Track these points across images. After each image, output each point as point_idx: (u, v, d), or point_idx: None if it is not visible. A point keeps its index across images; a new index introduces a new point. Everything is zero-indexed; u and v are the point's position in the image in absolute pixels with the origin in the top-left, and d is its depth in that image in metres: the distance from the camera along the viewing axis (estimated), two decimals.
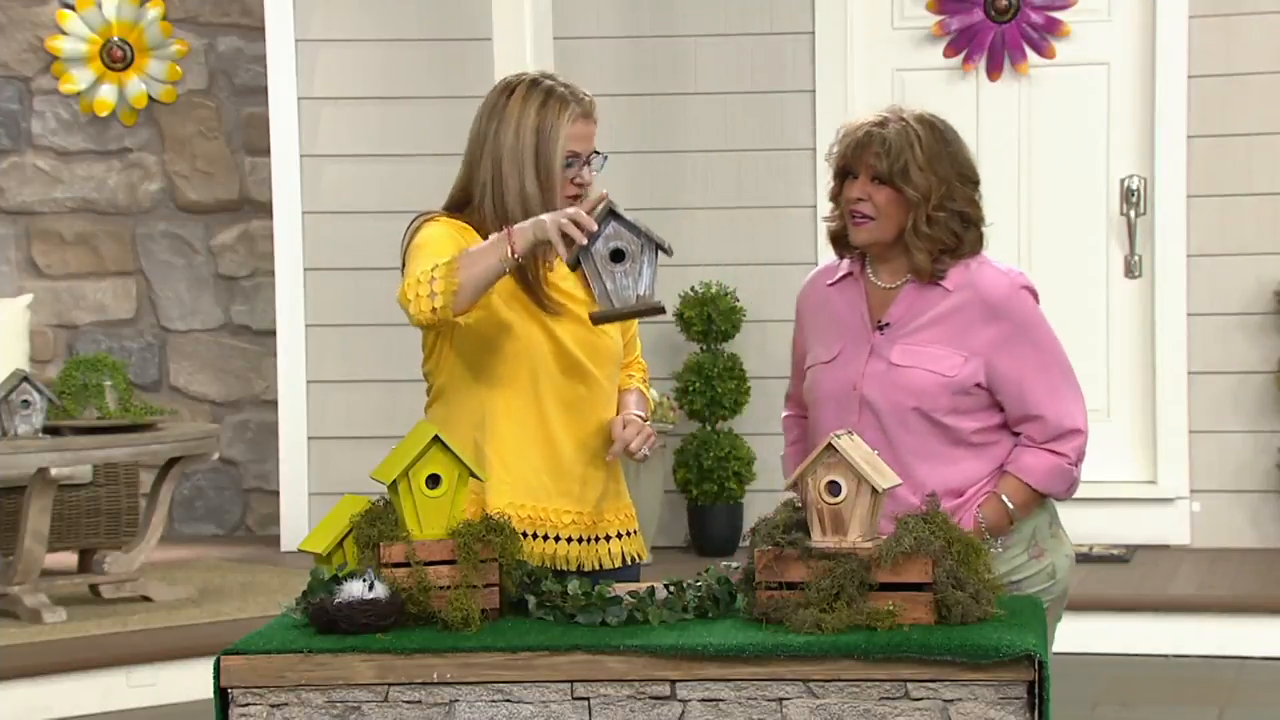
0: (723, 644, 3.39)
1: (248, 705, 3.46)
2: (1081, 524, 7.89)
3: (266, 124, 9.06)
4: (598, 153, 4.06)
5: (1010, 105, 8.47)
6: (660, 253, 3.74)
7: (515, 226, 3.80)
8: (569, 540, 4.07)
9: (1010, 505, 4.00)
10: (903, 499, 3.86)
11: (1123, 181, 8.58)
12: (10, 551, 7.50)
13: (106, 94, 9.49)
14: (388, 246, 8.79)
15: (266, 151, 9.10)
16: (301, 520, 8.90)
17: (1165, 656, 7.40)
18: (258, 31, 9.20)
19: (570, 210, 3.74)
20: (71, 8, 9.47)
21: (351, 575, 3.55)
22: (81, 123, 9.54)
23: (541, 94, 4.04)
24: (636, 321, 4.15)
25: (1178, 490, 8.48)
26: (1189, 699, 6.86)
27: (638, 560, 4.18)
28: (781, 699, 3.38)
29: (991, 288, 4.01)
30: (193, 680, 6.74)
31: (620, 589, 3.63)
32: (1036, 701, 3.33)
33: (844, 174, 4.07)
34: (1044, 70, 8.63)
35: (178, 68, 9.50)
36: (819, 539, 3.50)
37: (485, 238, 3.97)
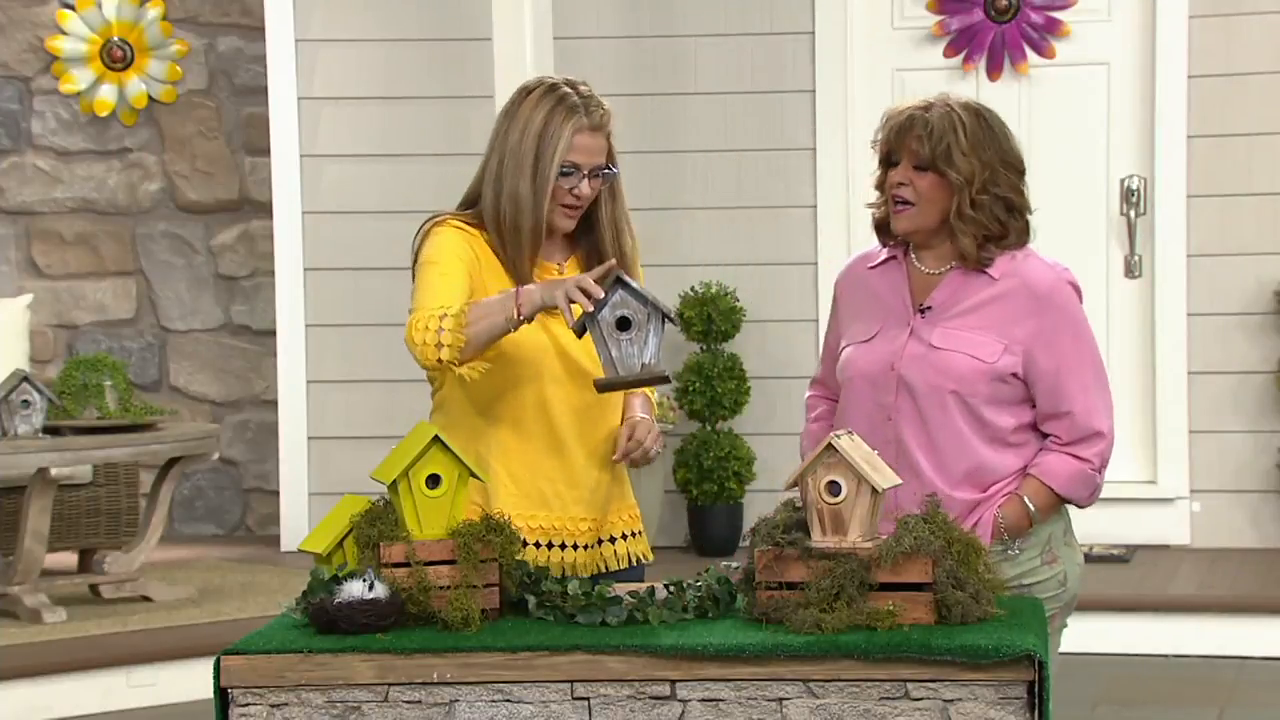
0: (723, 644, 3.39)
1: (248, 705, 3.46)
2: (1081, 524, 7.85)
3: (266, 124, 9.06)
4: (610, 168, 4.05)
5: (1010, 105, 8.46)
6: (666, 321, 3.76)
7: (524, 288, 3.82)
8: (586, 547, 4.07)
9: (1032, 507, 3.99)
10: (931, 485, 3.87)
11: (1123, 181, 8.58)
12: (10, 551, 7.50)
13: (106, 94, 9.49)
14: (388, 246, 8.88)
15: (266, 151, 9.11)
16: (301, 520, 8.90)
17: (1165, 656, 7.40)
18: (258, 31, 9.21)
19: (579, 277, 3.75)
20: (71, 8, 9.47)
21: (351, 575, 3.55)
22: (81, 123, 9.54)
23: (554, 99, 4.02)
24: None
25: (1178, 490, 8.48)
26: (1189, 699, 6.86)
27: (643, 561, 4.18)
28: (781, 699, 3.38)
29: (1038, 279, 4.01)
30: (193, 680, 6.74)
31: (620, 589, 3.63)
32: (1036, 701, 3.33)
33: (888, 161, 4.05)
34: (1044, 70, 8.63)
35: (178, 68, 9.50)
36: (819, 539, 3.50)
37: (490, 236, 3.99)
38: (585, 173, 4.00)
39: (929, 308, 4.03)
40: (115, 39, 9.47)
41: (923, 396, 3.96)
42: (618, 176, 4.08)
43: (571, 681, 3.42)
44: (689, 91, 8.77)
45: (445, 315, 3.84)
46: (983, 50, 8.65)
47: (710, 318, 8.48)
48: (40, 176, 9.54)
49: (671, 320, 3.76)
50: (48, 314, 9.52)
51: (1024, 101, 8.61)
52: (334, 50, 8.92)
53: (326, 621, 3.50)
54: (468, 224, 4.06)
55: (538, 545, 4.02)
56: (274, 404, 9.17)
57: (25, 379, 7.34)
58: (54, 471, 7.23)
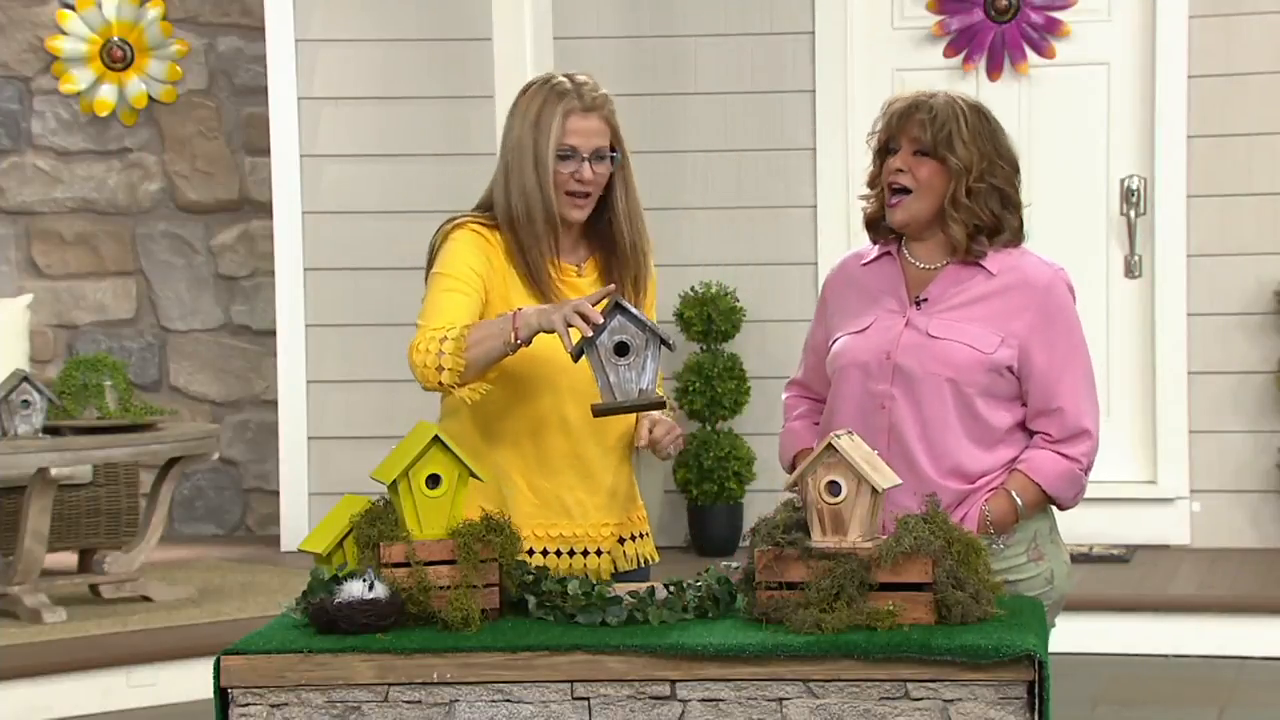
0: (723, 644, 3.39)
1: (248, 705, 3.46)
2: (1081, 524, 7.91)
3: (266, 124, 9.06)
4: (614, 152, 4.04)
5: (1010, 105, 8.46)
6: (664, 347, 3.76)
7: (521, 311, 3.82)
8: (606, 553, 4.07)
9: (1019, 502, 3.99)
10: (923, 474, 3.88)
11: (1123, 181, 8.58)
12: (10, 551, 7.50)
13: (106, 94, 9.49)
14: (388, 246, 8.89)
15: (266, 151, 9.11)
16: (301, 520, 8.90)
17: (1165, 656, 7.40)
18: (258, 31, 9.21)
19: (577, 302, 3.74)
20: (71, 8, 9.47)
21: (351, 575, 3.55)
22: (81, 123, 9.54)
23: (547, 90, 4.04)
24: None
25: (1178, 490, 8.48)
26: (1189, 699, 6.86)
27: (650, 562, 4.18)
28: (781, 699, 3.38)
29: (1037, 275, 4.02)
30: (193, 680, 6.74)
31: (620, 589, 3.63)
32: (1036, 701, 3.33)
33: (884, 152, 4.05)
34: (1044, 70, 8.63)
35: (178, 68, 9.50)
36: (819, 539, 3.50)
37: (507, 237, 3.98)
38: (585, 156, 3.99)
39: (925, 299, 4.03)
40: (115, 39, 9.47)
41: (919, 383, 3.96)
42: (627, 168, 4.06)
43: (571, 681, 3.42)
44: (689, 91, 8.77)
45: (445, 339, 3.85)
46: (983, 50, 8.65)
47: (710, 318, 8.48)
48: (40, 176, 9.54)
49: (669, 346, 3.77)
50: (48, 314, 9.52)
51: (1024, 101, 8.61)
52: (334, 50, 8.92)
53: (326, 621, 3.50)
54: (486, 225, 4.05)
55: (559, 554, 4.02)
56: (274, 404, 9.17)
57: (25, 379, 7.34)
58: (54, 471, 7.23)
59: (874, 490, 3.49)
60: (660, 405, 3.84)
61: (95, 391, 7.57)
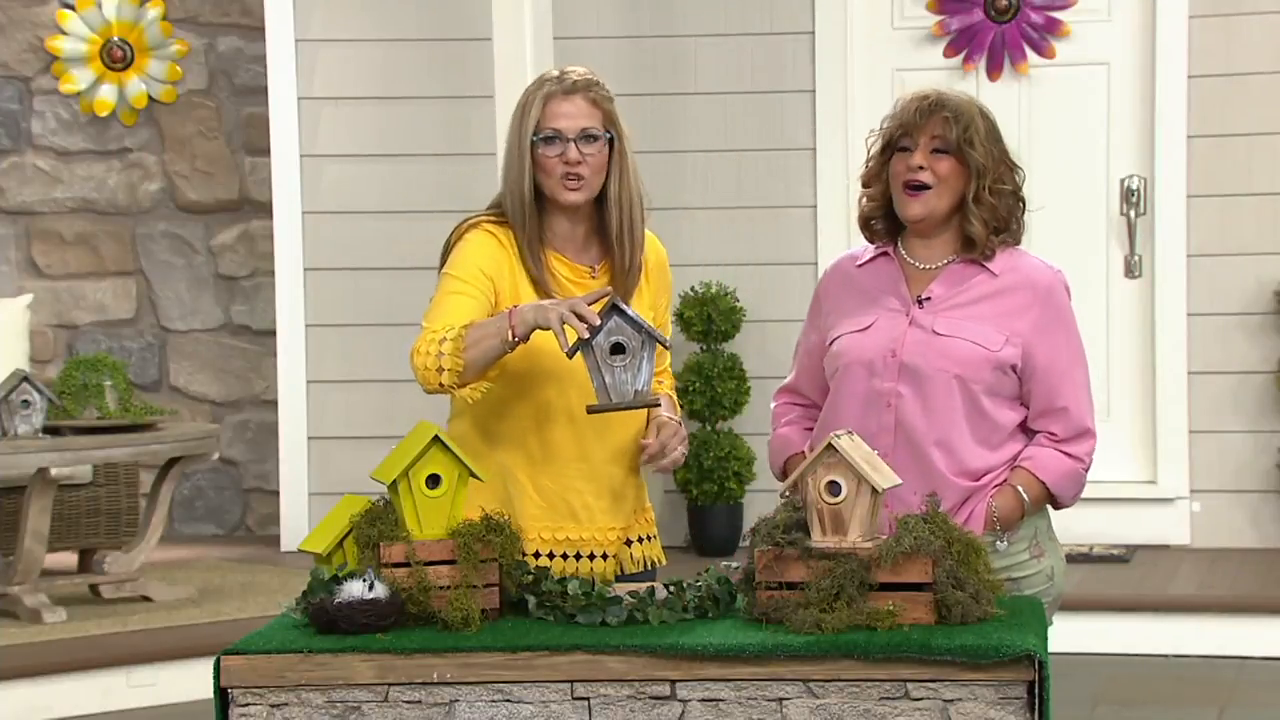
0: (723, 644, 3.39)
1: (248, 705, 3.46)
2: (1081, 524, 7.93)
3: (266, 124, 9.06)
4: (610, 134, 4.01)
5: (1010, 105, 8.46)
6: (660, 347, 3.77)
7: (517, 309, 3.82)
8: (611, 556, 4.07)
9: (1025, 498, 3.99)
10: (933, 470, 3.88)
11: (1123, 181, 8.58)
12: (10, 551, 7.50)
13: (106, 94, 9.49)
14: (388, 246, 8.89)
15: (266, 151, 9.10)
16: (301, 520, 8.90)
17: (1165, 656, 7.40)
18: (258, 31, 9.21)
19: (574, 301, 3.74)
20: (71, 8, 9.47)
21: (351, 575, 3.55)
22: (81, 123, 9.54)
23: (535, 82, 4.06)
24: (669, 335, 4.18)
25: (1178, 490, 8.48)
26: (1189, 699, 6.86)
27: (656, 565, 4.17)
28: (781, 699, 3.38)
29: (1039, 276, 4.03)
30: (193, 680, 6.74)
31: (620, 589, 3.63)
32: (1036, 701, 3.33)
33: (892, 148, 4.04)
34: (1044, 70, 8.63)
35: (178, 68, 9.50)
36: (819, 539, 3.50)
37: (515, 231, 3.98)
38: (570, 138, 3.98)
39: (927, 298, 4.03)
40: (115, 39, 9.47)
41: (927, 380, 3.96)
42: (624, 155, 4.03)
43: (571, 681, 3.42)
44: (689, 91, 8.77)
45: (444, 339, 3.85)
46: (983, 50, 8.65)
47: (710, 318, 8.48)
48: (40, 176, 9.54)
49: (665, 346, 3.78)
50: (48, 314, 9.52)
51: (1024, 101, 8.61)
52: (334, 50, 8.92)
53: (326, 621, 3.50)
54: (497, 223, 4.04)
55: (565, 556, 4.02)
56: (274, 404, 9.17)
57: (25, 379, 7.34)
58: (54, 471, 7.23)
59: (874, 490, 3.49)
60: (656, 404, 3.84)
61: (95, 391, 7.57)
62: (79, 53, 9.48)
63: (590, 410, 3.81)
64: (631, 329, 3.74)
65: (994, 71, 8.64)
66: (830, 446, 3.50)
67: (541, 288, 4.00)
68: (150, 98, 9.50)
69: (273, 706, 3.45)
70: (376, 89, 8.90)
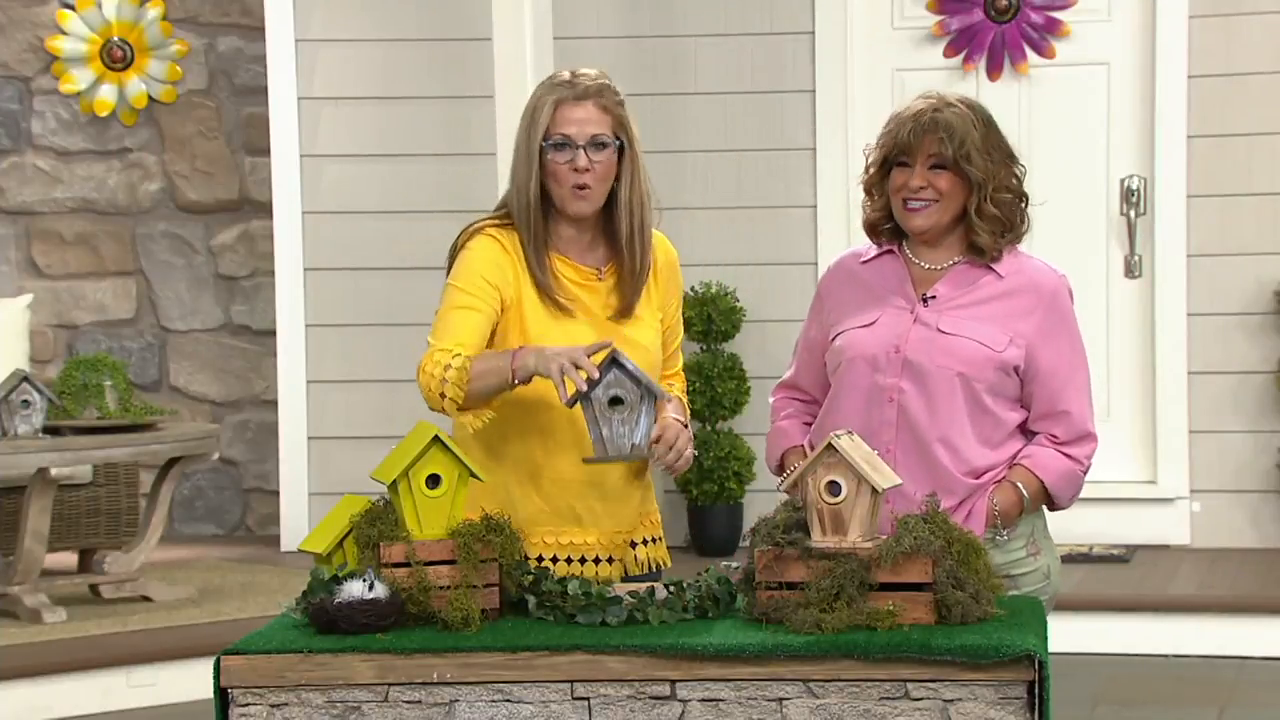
0: (723, 644, 3.39)
1: (248, 705, 3.46)
2: (1081, 524, 7.93)
3: (266, 124, 9.06)
4: (620, 140, 4.01)
5: (1010, 105, 8.46)
6: (657, 401, 3.77)
7: (520, 351, 3.83)
8: (615, 560, 4.07)
9: (1025, 494, 3.99)
10: (935, 466, 3.88)
11: (1123, 181, 8.58)
12: (10, 551, 7.50)
13: (106, 94, 9.49)
14: (388, 246, 8.89)
15: (266, 151, 9.11)
16: (301, 520, 8.90)
17: (1165, 656, 7.40)
18: (258, 31, 9.21)
19: (575, 353, 3.74)
20: (71, 8, 9.47)
21: (351, 575, 3.55)
22: (81, 123, 9.54)
23: (545, 84, 4.04)
24: (680, 336, 4.22)
25: (1178, 490, 8.48)
26: (1189, 699, 6.86)
27: (661, 568, 4.17)
28: (781, 699, 3.38)
29: (1044, 279, 4.04)
30: (193, 680, 6.74)
31: (620, 589, 3.63)
32: (1036, 701, 3.33)
33: (890, 162, 4.04)
34: (1044, 70, 8.63)
35: (178, 68, 9.50)
36: (819, 539, 3.50)
37: (520, 234, 3.98)
38: (580, 144, 3.97)
39: (932, 297, 4.04)
40: (115, 39, 9.47)
41: (930, 377, 3.96)
42: (635, 160, 4.02)
43: (571, 681, 3.42)
44: (689, 91, 8.77)
45: (449, 366, 3.84)
46: (983, 50, 8.65)
47: (710, 318, 8.48)
48: (40, 176, 9.54)
49: (665, 401, 3.76)
50: (48, 314, 9.52)
51: (1024, 101, 8.61)
52: (334, 50, 8.92)
53: (326, 621, 3.50)
54: (502, 226, 4.03)
55: (569, 561, 4.01)
56: (274, 404, 9.17)
57: (25, 379, 7.34)
58: (54, 471, 7.23)
59: (874, 490, 3.49)
60: (651, 458, 3.88)
61: (95, 391, 7.57)
62: (79, 53, 9.47)
63: (586, 462, 3.85)
64: (631, 383, 3.74)
65: (994, 71, 8.64)
66: (830, 446, 3.50)
67: (546, 292, 3.99)
68: (150, 98, 9.50)
69: (273, 706, 3.45)
70: (376, 89, 8.90)
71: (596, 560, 4.04)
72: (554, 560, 4.01)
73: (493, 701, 3.43)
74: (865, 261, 4.14)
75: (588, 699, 3.41)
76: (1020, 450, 4.03)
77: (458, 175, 8.64)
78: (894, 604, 3.44)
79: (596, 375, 3.72)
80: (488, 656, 3.42)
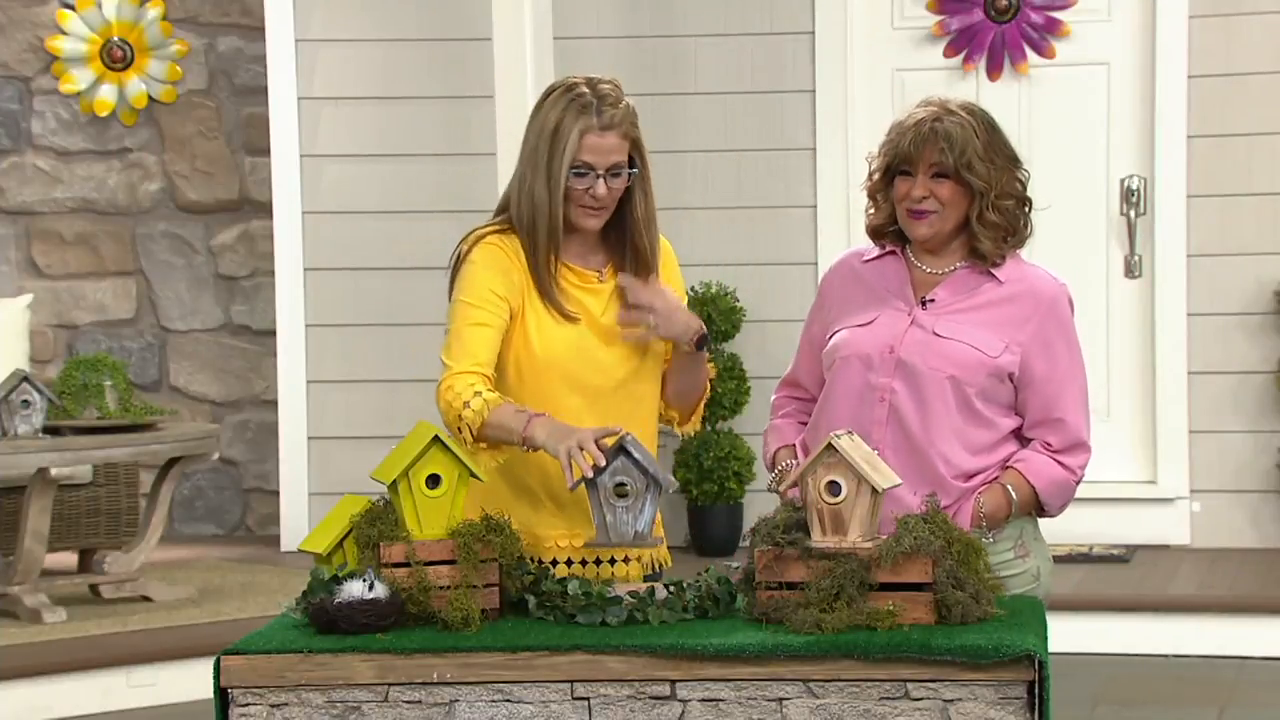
0: (723, 644, 3.39)
1: (248, 705, 3.46)
2: (1081, 524, 7.92)
3: (266, 124, 9.06)
4: (632, 165, 4.01)
5: (1010, 105, 8.46)
6: (662, 491, 3.77)
7: (535, 422, 3.80)
8: (628, 560, 4.07)
9: (1014, 496, 3.99)
10: (922, 467, 3.88)
11: (1123, 181, 8.58)
12: (10, 551, 7.50)
13: (106, 94, 9.49)
14: (388, 246, 8.89)
15: (266, 151, 9.11)
16: (301, 520, 8.90)
17: (1165, 656, 7.40)
18: (258, 31, 9.21)
19: (584, 437, 3.72)
20: (71, 8, 9.47)
21: (351, 575, 3.55)
22: (81, 123, 9.54)
23: (568, 99, 3.98)
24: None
25: (1178, 490, 8.48)
26: (1189, 699, 6.86)
27: (663, 568, 4.17)
28: (781, 699, 3.38)
29: (1044, 287, 4.04)
30: (193, 680, 6.73)
31: (620, 589, 3.63)
32: (1036, 701, 3.33)
33: (893, 170, 4.05)
34: (1044, 70, 8.63)
35: (178, 68, 9.50)
36: (819, 539, 3.50)
37: (523, 242, 3.98)
38: (600, 173, 3.97)
39: (931, 300, 4.04)
40: (115, 39, 9.47)
41: (921, 378, 3.96)
42: (647, 178, 4.02)
43: (571, 681, 3.42)
44: (689, 91, 8.77)
45: (469, 404, 3.83)
46: (983, 50, 8.65)
47: (710, 318, 8.48)
48: (40, 176, 9.54)
49: (668, 490, 3.75)
50: (48, 314, 9.52)
51: (1024, 101, 8.61)
52: (334, 50, 8.92)
53: (326, 621, 3.50)
54: (502, 232, 4.02)
55: (584, 563, 4.01)
56: (274, 404, 9.17)
57: (25, 379, 7.34)
58: (54, 471, 7.23)
59: (874, 490, 3.49)
60: (654, 546, 3.89)
61: (95, 391, 7.57)
62: (79, 53, 9.47)
63: (587, 546, 3.83)
64: (637, 471, 3.71)
65: (994, 71, 8.64)
66: (830, 446, 3.50)
67: (553, 302, 3.99)
68: (150, 98, 9.50)
69: (273, 706, 3.45)
70: (376, 89, 8.90)
71: (613, 561, 4.04)
72: (568, 563, 4.00)
73: (493, 701, 3.43)
74: (867, 261, 4.14)
75: (588, 699, 3.41)
76: (1014, 453, 4.02)
77: (458, 175, 8.64)
78: (894, 604, 3.44)
79: (603, 462, 3.70)
80: (488, 656, 3.42)
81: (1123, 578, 7.92)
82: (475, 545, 3.57)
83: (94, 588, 7.74)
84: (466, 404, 3.84)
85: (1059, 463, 4.00)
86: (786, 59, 8.71)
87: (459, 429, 3.85)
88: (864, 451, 3.53)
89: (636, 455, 3.71)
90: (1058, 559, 8.07)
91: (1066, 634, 6.68)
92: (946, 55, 8.69)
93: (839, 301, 4.14)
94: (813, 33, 8.68)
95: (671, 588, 3.61)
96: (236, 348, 9.56)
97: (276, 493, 9.19)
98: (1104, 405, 8.45)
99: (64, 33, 9.48)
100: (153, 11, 9.48)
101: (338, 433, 8.93)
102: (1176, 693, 6.96)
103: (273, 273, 9.09)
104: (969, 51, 8.66)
